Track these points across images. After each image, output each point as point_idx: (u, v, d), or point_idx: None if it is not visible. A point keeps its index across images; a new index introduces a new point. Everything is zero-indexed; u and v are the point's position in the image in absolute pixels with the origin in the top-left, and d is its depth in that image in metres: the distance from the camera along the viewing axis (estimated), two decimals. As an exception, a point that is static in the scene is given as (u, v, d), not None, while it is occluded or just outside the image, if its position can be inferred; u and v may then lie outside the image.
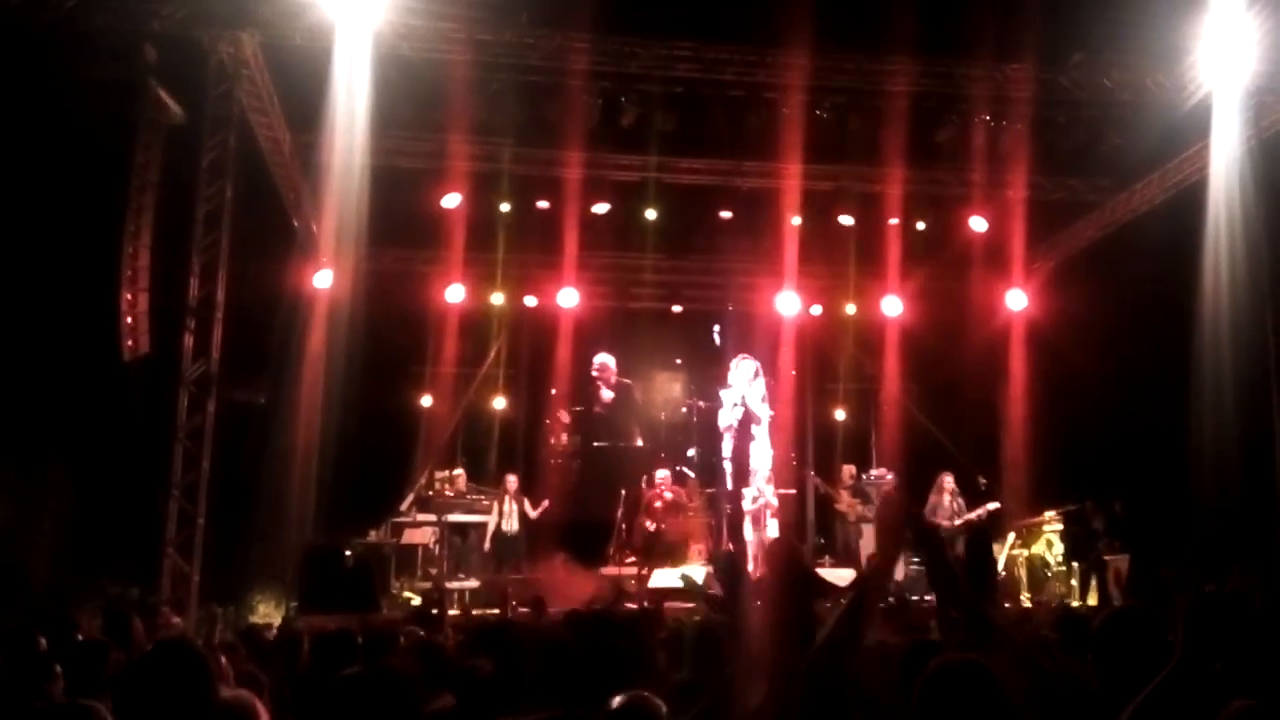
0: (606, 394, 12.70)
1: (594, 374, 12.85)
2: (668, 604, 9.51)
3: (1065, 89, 11.05)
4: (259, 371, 11.30)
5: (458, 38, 10.23)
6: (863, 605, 2.85)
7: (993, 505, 12.36)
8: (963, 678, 2.39)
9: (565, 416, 12.89)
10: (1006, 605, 9.62)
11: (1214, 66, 10.18)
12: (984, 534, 11.17)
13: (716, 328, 13.68)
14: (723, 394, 12.57)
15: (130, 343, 10.52)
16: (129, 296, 10.53)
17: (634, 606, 9.93)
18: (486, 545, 11.96)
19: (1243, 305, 10.31)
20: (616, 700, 2.49)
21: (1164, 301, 11.31)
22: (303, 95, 10.40)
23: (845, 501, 12.61)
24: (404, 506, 12.10)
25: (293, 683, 4.51)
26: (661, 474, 12.27)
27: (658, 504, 11.98)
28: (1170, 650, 2.70)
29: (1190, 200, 11.08)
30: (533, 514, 12.12)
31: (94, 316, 10.67)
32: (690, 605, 8.79)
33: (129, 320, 10.50)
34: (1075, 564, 11.78)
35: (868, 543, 11.85)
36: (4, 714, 3.51)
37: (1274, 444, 10.42)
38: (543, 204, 12.83)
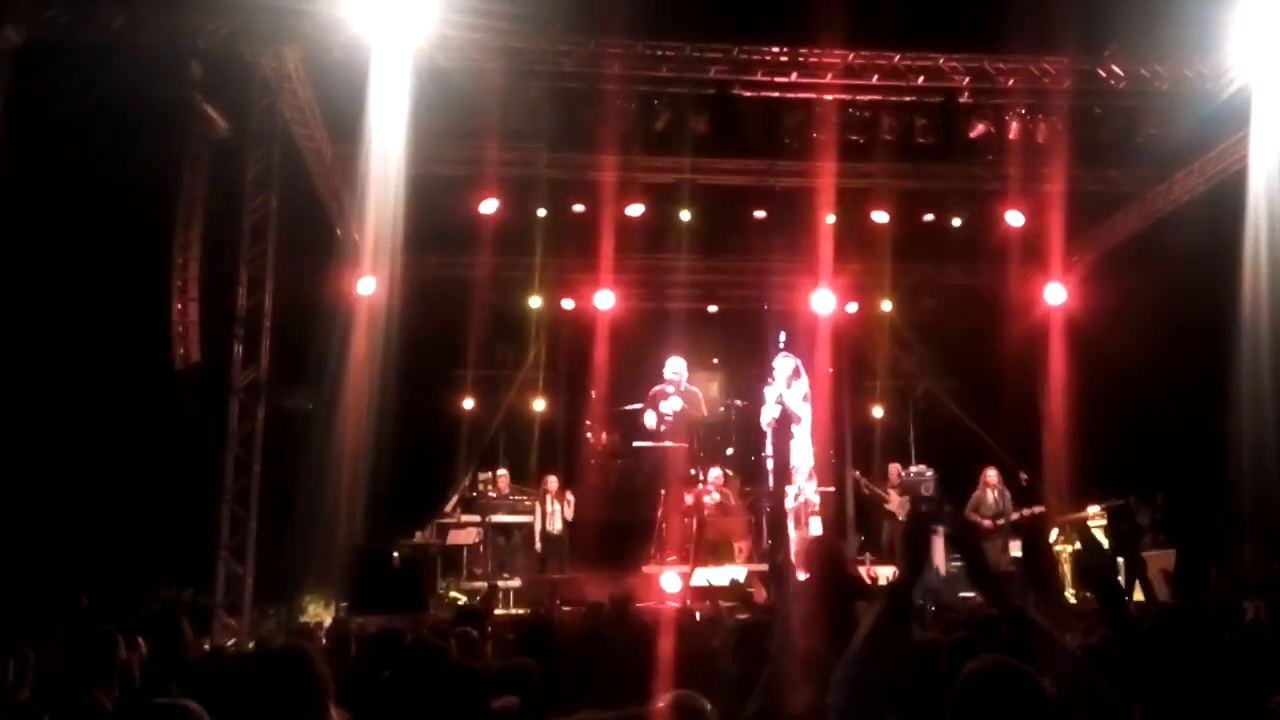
0: (676, 403, 12.63)
1: (668, 378, 12.79)
2: (705, 602, 9.62)
3: (1102, 80, 10.95)
4: (306, 378, 11.54)
5: (493, 47, 10.38)
6: (896, 610, 2.86)
7: (1038, 509, 12.28)
8: (1002, 682, 2.36)
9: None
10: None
11: (1253, 55, 10.05)
12: (1038, 533, 11.11)
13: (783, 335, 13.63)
14: (766, 390, 12.59)
15: (181, 351, 10.82)
16: (180, 306, 10.83)
17: (676, 605, 10.07)
18: (537, 546, 12.08)
19: (1282, 295, 10.18)
20: (663, 699, 2.53)
21: (1205, 293, 11.18)
22: (343, 107, 10.59)
23: (895, 501, 12.58)
24: (448, 508, 12.29)
25: (346, 683, 4.65)
26: (714, 473, 12.29)
27: (707, 499, 12.03)
28: (1223, 649, 2.71)
29: (1230, 191, 10.94)
30: (569, 514, 12.24)
31: (146, 326, 10.97)
32: (733, 604, 8.86)
33: (180, 329, 10.80)
34: (1120, 560, 11.68)
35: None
36: (69, 710, 3.64)
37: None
38: (578, 208, 12.96)
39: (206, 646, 6.64)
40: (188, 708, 2.55)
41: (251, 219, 10.22)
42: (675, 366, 12.74)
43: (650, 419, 12.42)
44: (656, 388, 12.74)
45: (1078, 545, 12.11)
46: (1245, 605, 6.98)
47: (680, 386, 12.68)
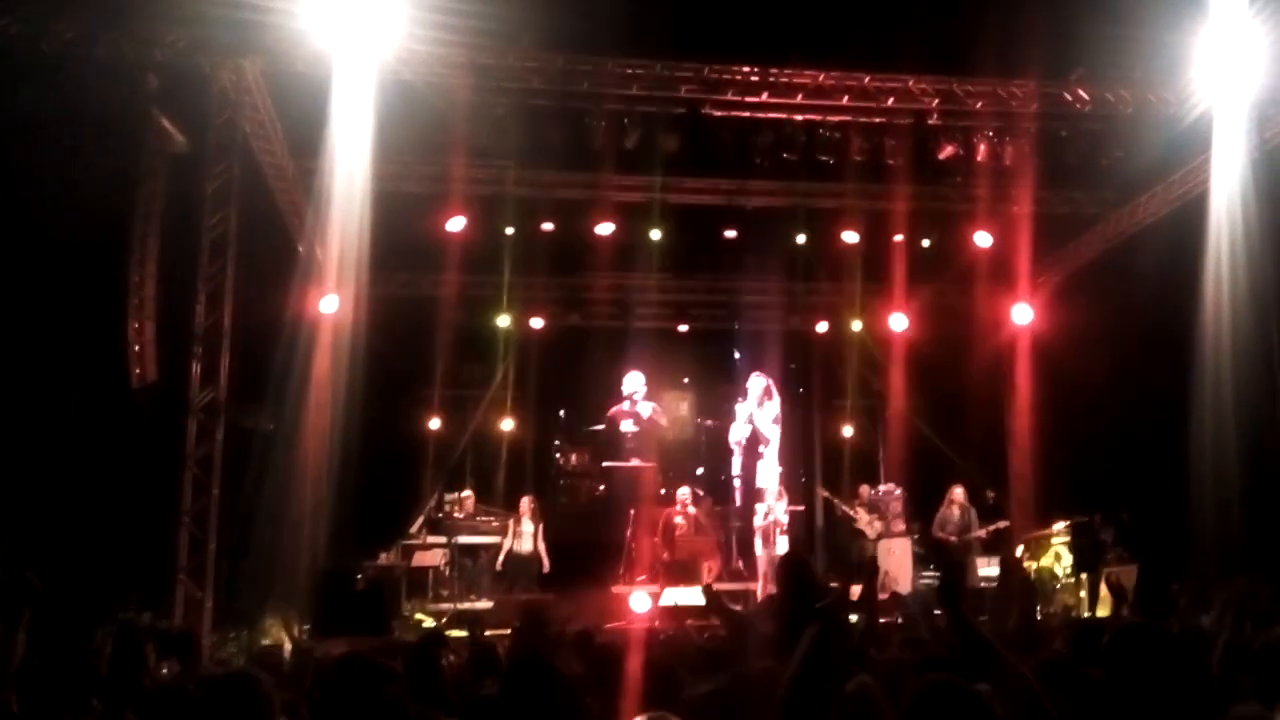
0: (644, 408, 12.70)
1: (628, 393, 12.80)
2: (678, 621, 9.52)
3: (1068, 103, 11.07)
4: (267, 397, 11.31)
5: (459, 62, 10.26)
6: (826, 638, 2.82)
7: (1002, 524, 12.34)
8: (948, 698, 2.38)
9: None
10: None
11: (1216, 80, 10.18)
12: (1014, 558, 11.07)
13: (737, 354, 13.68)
14: (737, 407, 12.56)
15: (138, 371, 10.54)
16: (136, 325, 10.56)
17: (645, 625, 9.96)
18: (499, 566, 11.96)
19: (1245, 317, 10.28)
20: None
21: (1169, 313, 11.30)
22: (305, 121, 10.41)
23: (864, 520, 12.60)
24: (414, 529, 12.11)
25: (310, 707, 4.49)
26: (683, 492, 12.25)
27: (678, 519, 11.97)
28: (1184, 667, 2.68)
29: (1193, 213, 11.07)
30: (540, 539, 12.11)
31: (102, 345, 10.69)
32: (702, 622, 8.76)
33: (136, 349, 10.52)
34: (1083, 576, 11.76)
35: (883, 560, 11.83)
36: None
37: (1278, 456, 10.36)
38: (547, 226, 12.87)
39: (165, 670, 6.43)
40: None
41: (210, 235, 10.02)
42: (634, 382, 12.76)
43: (628, 425, 12.44)
44: (615, 408, 12.73)
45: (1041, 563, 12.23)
46: (1203, 619, 7.03)
47: (637, 402, 12.70)
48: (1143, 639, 2.75)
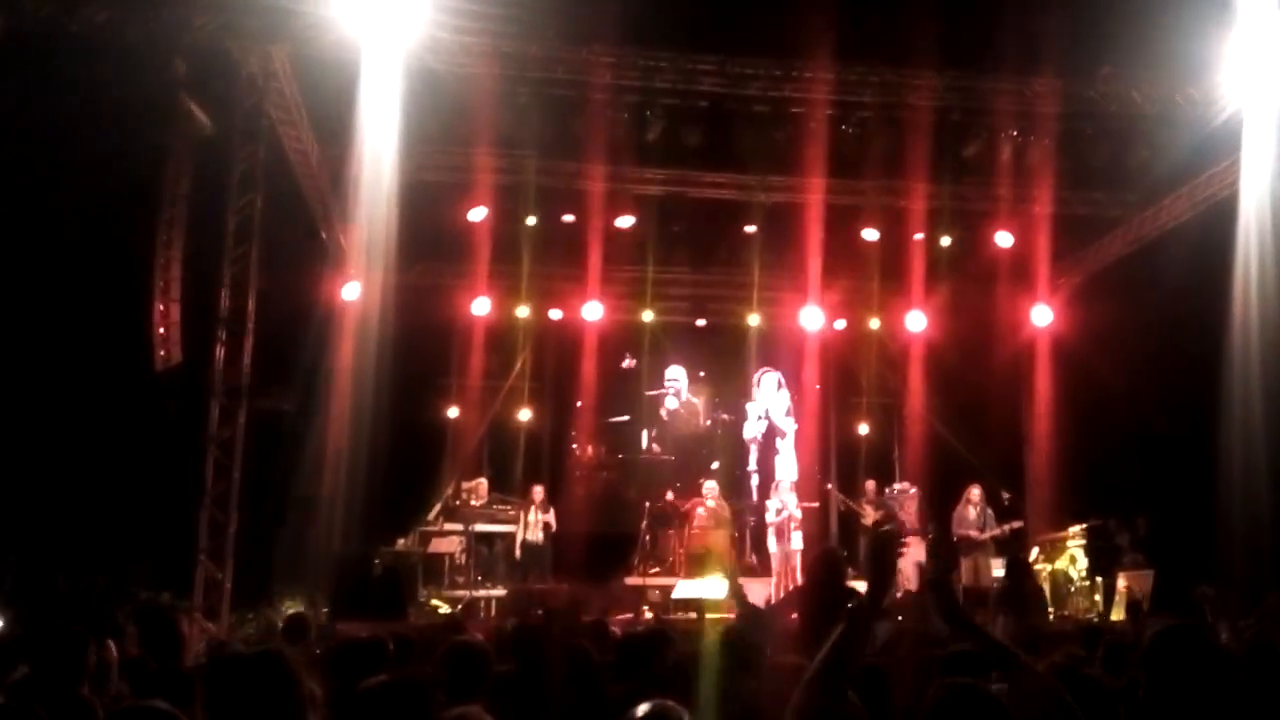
0: (672, 402, 12.76)
1: (667, 384, 12.90)
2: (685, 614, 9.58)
3: (1093, 102, 11.00)
4: (289, 382, 11.40)
5: (484, 51, 10.30)
6: (856, 635, 2.82)
7: (1017, 524, 12.30)
8: (968, 704, 2.38)
9: None
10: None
11: (1246, 81, 10.09)
12: (1022, 560, 11.09)
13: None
14: (748, 407, 12.58)
15: (162, 353, 10.66)
16: (161, 307, 10.68)
17: (651, 616, 10.01)
18: (517, 554, 12.02)
19: (1272, 322, 10.19)
20: (640, 709, 2.48)
21: (1192, 318, 11.22)
22: (331, 109, 10.50)
23: (870, 516, 12.58)
24: (431, 516, 12.19)
25: (327, 690, 4.55)
26: (709, 485, 12.24)
27: (700, 510, 11.98)
28: (1221, 671, 2.67)
29: (1219, 216, 10.98)
30: (552, 527, 12.18)
31: (127, 326, 10.81)
32: (715, 616, 8.79)
33: (161, 330, 10.64)
34: (1098, 579, 11.73)
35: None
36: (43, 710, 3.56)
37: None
38: (568, 217, 12.90)
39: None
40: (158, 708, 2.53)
41: (236, 219, 10.07)
42: (674, 374, 12.83)
43: (672, 402, 12.47)
44: (655, 392, 12.80)
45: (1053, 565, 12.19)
46: (1220, 627, 7.01)
47: (680, 394, 12.77)
48: (1187, 643, 2.71)
